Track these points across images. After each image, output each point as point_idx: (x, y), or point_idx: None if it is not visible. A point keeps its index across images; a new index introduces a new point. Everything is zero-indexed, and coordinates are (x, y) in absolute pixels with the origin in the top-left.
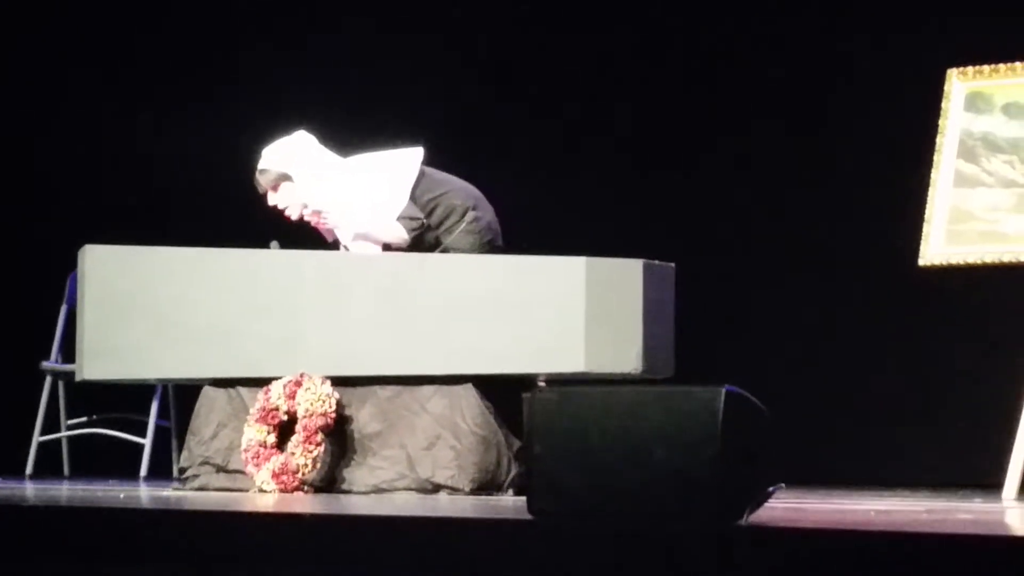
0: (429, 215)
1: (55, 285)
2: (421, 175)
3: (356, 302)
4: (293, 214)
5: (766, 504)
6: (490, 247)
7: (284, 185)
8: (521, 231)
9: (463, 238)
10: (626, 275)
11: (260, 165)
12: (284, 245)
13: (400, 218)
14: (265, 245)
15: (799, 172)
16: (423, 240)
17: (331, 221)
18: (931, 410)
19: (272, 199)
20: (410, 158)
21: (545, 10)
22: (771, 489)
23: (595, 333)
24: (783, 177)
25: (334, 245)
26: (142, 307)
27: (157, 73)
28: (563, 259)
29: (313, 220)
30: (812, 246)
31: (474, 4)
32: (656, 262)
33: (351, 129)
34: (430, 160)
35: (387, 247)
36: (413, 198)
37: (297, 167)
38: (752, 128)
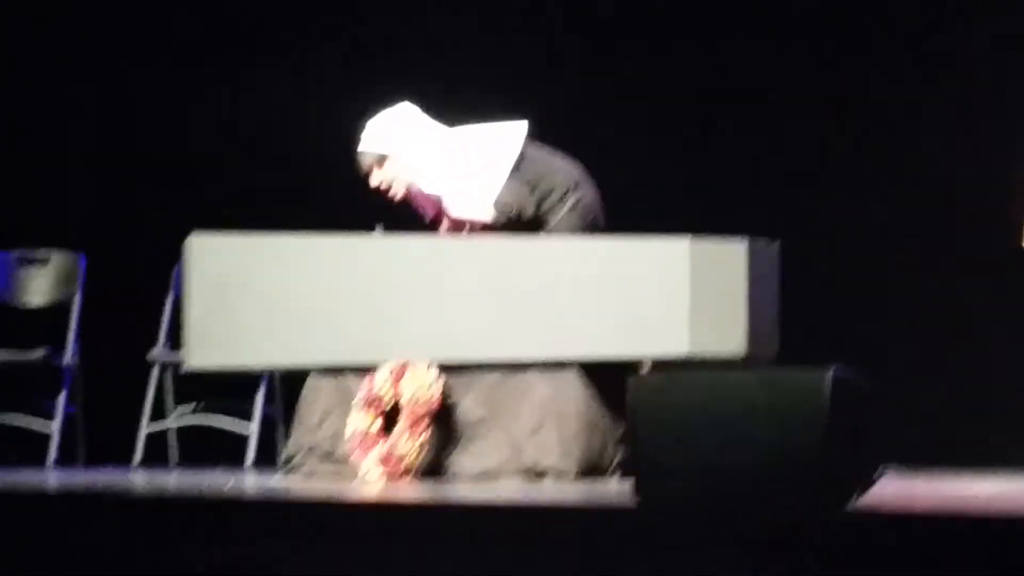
0: (530, 193)
1: (162, 274)
2: (523, 153)
3: (460, 287)
4: (398, 193)
5: (874, 488)
6: (592, 226)
7: (387, 164)
8: (623, 209)
9: (566, 219)
10: (730, 256)
11: (362, 144)
12: (388, 229)
13: (496, 202)
14: (370, 229)
15: (906, 150)
16: (518, 225)
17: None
18: None
19: (376, 177)
20: (513, 134)
21: None
22: (880, 471)
23: (700, 315)
24: (888, 154)
25: (433, 226)
26: (248, 295)
27: (256, 50)
28: (667, 241)
29: (419, 198)
30: (917, 226)
31: None
32: (760, 241)
33: (452, 102)
34: (533, 133)
35: (482, 230)
36: (515, 178)
37: (400, 144)
38: (855, 103)
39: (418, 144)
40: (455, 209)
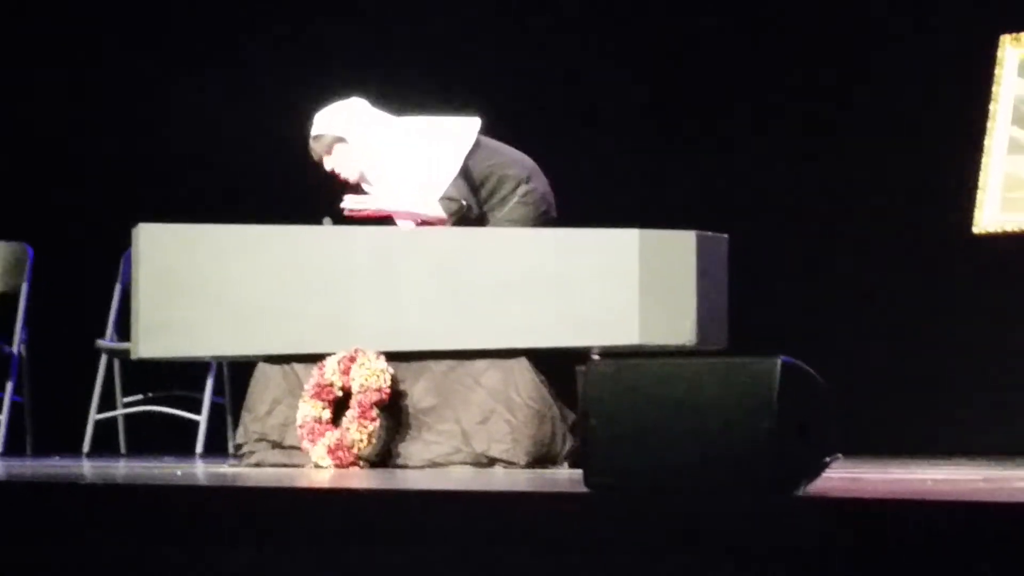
0: (481, 185)
1: (110, 264)
2: (476, 145)
3: (409, 277)
4: (351, 177)
5: (823, 475)
6: (544, 218)
7: (338, 148)
8: (573, 202)
9: (517, 209)
10: (679, 246)
11: (313, 131)
12: (336, 222)
13: (442, 198)
14: (318, 222)
15: (850, 140)
16: (467, 219)
17: (377, 195)
18: (986, 378)
19: (328, 163)
20: (466, 128)
21: None
22: (828, 460)
23: (649, 305)
24: (834, 145)
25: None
26: (196, 285)
27: (202, 44)
28: (616, 231)
29: (366, 188)
30: (864, 215)
31: None
32: (709, 233)
33: (404, 97)
34: (486, 128)
35: (429, 224)
36: (465, 170)
37: (351, 130)
38: (802, 96)
39: (370, 130)
40: (404, 205)
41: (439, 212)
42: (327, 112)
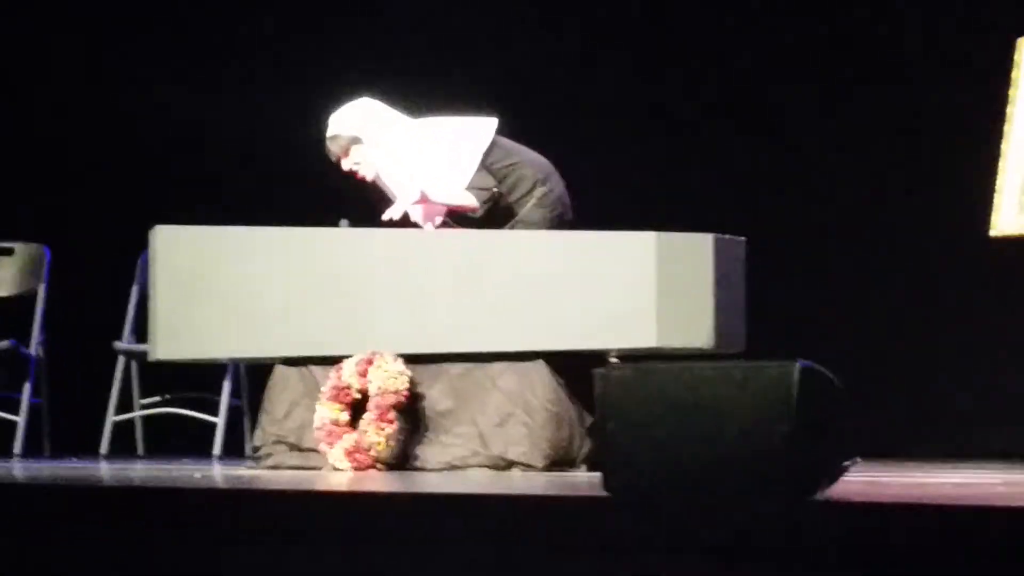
0: (499, 183)
1: (127, 266)
2: (493, 144)
3: (426, 279)
4: (368, 176)
5: (841, 479)
6: (560, 220)
7: (355, 148)
8: (590, 203)
9: (533, 211)
10: (697, 249)
11: (329, 132)
12: (354, 223)
13: (470, 188)
14: (335, 224)
15: (868, 143)
16: (496, 208)
17: (398, 188)
18: (1005, 381)
19: (345, 164)
20: (483, 127)
21: None
22: (846, 463)
23: (667, 308)
24: (851, 149)
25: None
26: (213, 286)
27: (218, 47)
28: (633, 234)
29: (384, 188)
30: (882, 218)
31: None
32: (727, 236)
33: (417, 99)
34: (502, 129)
35: (457, 215)
36: (484, 167)
37: (367, 129)
38: (819, 99)
39: (386, 129)
40: (436, 194)
41: (470, 200)
42: (342, 112)
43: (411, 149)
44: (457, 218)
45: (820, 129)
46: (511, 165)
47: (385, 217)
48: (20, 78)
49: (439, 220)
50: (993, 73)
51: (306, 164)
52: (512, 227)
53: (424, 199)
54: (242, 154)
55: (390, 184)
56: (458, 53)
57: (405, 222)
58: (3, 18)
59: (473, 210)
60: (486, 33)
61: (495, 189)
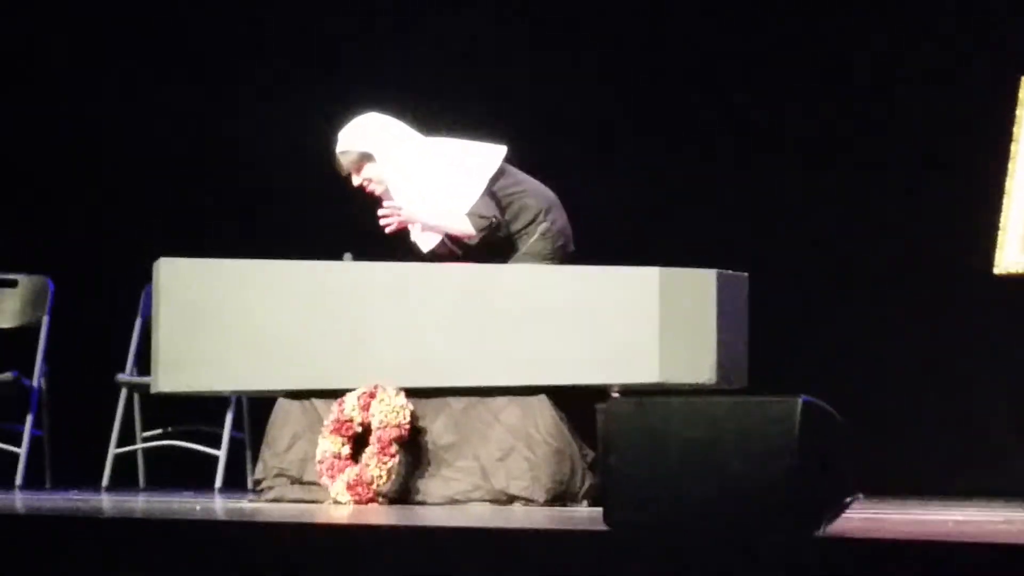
0: (503, 211)
1: (130, 298)
2: (501, 171)
3: (429, 313)
4: (377, 191)
5: (843, 515)
6: (562, 252)
7: (367, 165)
8: (593, 236)
9: (536, 244)
10: (700, 285)
11: (340, 147)
12: (357, 257)
13: (470, 214)
14: (339, 257)
15: (872, 180)
16: (494, 238)
17: (405, 212)
18: (1006, 419)
19: (356, 180)
20: (493, 153)
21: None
22: (848, 499)
23: (669, 343)
24: (854, 185)
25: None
26: (216, 319)
27: (224, 78)
28: (636, 269)
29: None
30: (885, 255)
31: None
32: (729, 271)
33: (421, 121)
34: (510, 157)
35: (455, 241)
36: (490, 192)
37: (379, 145)
38: (823, 135)
39: (397, 145)
40: (433, 218)
41: (467, 227)
42: (353, 127)
43: (421, 167)
44: (455, 240)
45: (824, 165)
46: (516, 193)
47: (381, 212)
48: (24, 109)
49: (437, 240)
50: (997, 110)
51: (309, 195)
52: (515, 260)
53: (424, 226)
54: (246, 187)
55: (399, 201)
56: (462, 77)
57: (403, 237)
58: (9, 44)
59: (469, 237)
60: (495, 60)
61: (495, 218)
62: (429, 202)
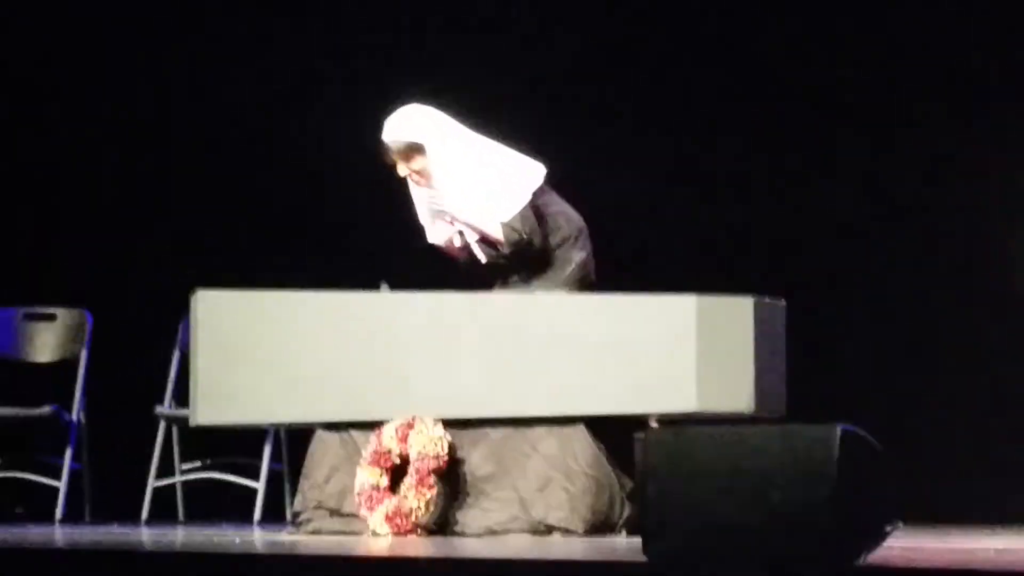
0: (542, 227)
1: (168, 330)
2: (541, 189)
3: (466, 343)
4: (422, 183)
5: (883, 544)
6: (585, 283)
7: (417, 157)
8: (627, 263)
9: (561, 269)
10: (737, 312)
11: (391, 134)
12: (394, 286)
13: (506, 224)
14: (376, 286)
15: (907, 204)
16: (526, 253)
17: (448, 203)
18: None
19: (402, 170)
20: (536, 167)
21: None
22: (888, 528)
23: (707, 372)
24: (889, 207)
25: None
26: (254, 351)
27: (258, 112)
28: (673, 297)
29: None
30: (923, 280)
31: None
32: (767, 298)
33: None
34: (549, 179)
35: (490, 244)
36: (533, 207)
37: (432, 138)
38: (856, 163)
39: (446, 139)
40: (472, 216)
41: (498, 234)
42: (407, 115)
43: (467, 165)
44: (490, 243)
45: (855, 195)
46: (552, 214)
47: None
48: (53, 140)
49: (449, 234)
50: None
51: (346, 225)
52: (540, 284)
53: (462, 222)
54: (282, 216)
55: (441, 197)
56: (483, 90)
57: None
58: (38, 70)
59: (499, 243)
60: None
61: (527, 235)
62: (471, 201)
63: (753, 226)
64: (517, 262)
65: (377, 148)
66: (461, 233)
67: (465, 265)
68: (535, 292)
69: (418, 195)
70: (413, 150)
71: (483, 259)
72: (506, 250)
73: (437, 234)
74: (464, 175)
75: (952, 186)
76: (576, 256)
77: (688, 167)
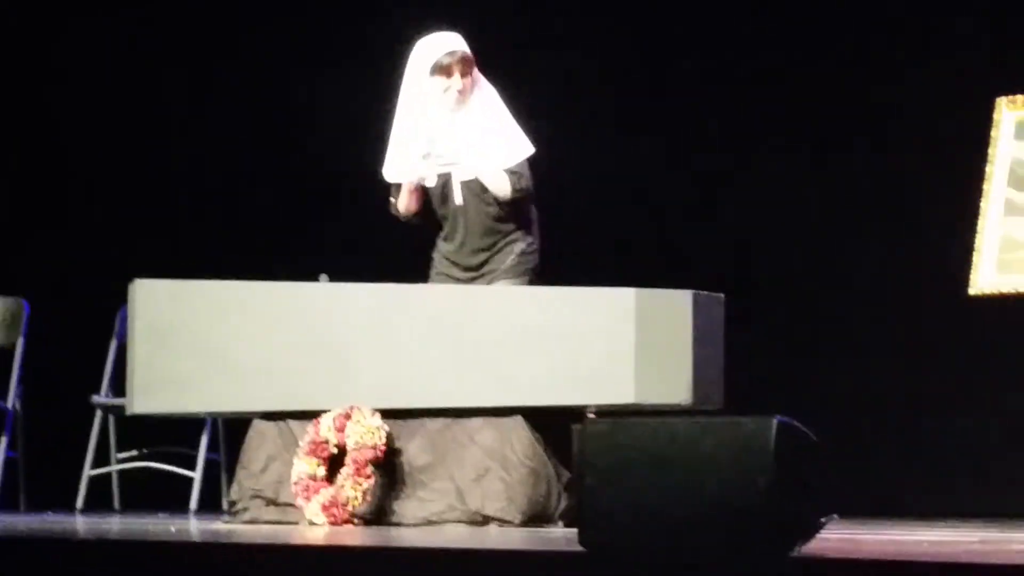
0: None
1: (106, 319)
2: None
3: (405, 334)
4: (465, 101)
5: (818, 535)
6: (533, 273)
7: (469, 74)
8: (567, 256)
9: (523, 256)
10: (676, 306)
11: (459, 44)
12: (333, 278)
13: (512, 171)
14: (315, 278)
15: (847, 202)
16: (520, 206)
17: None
18: (981, 440)
19: (462, 81)
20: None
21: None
22: (823, 520)
23: (645, 364)
24: (830, 206)
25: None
26: (192, 341)
27: (207, 101)
28: (612, 290)
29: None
30: (861, 276)
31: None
32: (705, 292)
33: None
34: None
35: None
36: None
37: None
38: (797, 157)
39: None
40: (483, 147)
41: (504, 185)
42: (457, 35)
43: (496, 101)
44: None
45: (798, 187)
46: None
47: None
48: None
49: (461, 177)
50: (972, 132)
51: (284, 215)
52: (502, 271)
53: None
54: (220, 207)
55: (453, 127)
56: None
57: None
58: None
59: (505, 195)
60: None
61: (522, 186)
62: (487, 135)
63: (694, 221)
64: (476, 218)
65: (432, 60)
66: (446, 175)
67: (405, 217)
68: (486, 273)
69: (414, 124)
70: (467, 64)
71: (459, 201)
72: (501, 195)
73: (403, 171)
74: (494, 106)
75: (891, 183)
76: (534, 243)
77: (631, 159)
